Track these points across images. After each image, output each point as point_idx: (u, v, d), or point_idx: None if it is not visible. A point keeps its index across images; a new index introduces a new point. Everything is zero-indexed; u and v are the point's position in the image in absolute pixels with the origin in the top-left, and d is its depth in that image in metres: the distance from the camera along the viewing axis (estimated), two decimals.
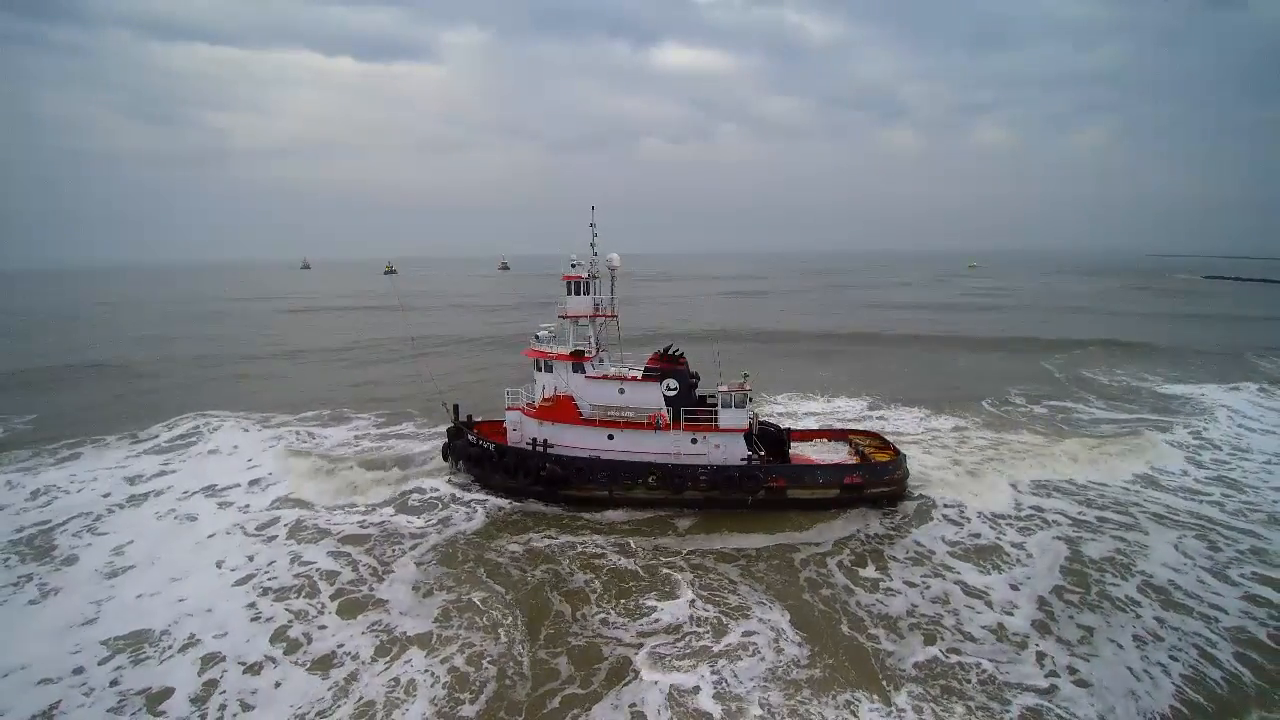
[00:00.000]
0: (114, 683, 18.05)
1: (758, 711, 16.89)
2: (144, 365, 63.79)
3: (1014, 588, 23.02)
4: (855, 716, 16.81)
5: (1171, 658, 19.23)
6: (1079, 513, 28.74)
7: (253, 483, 32.23)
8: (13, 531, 27.21)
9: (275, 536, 26.70)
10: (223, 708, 17.10)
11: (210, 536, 26.75)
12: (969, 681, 18.19)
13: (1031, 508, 29.27)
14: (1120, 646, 19.69)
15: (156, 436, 39.87)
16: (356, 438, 39.93)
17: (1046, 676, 18.40)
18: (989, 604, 21.97)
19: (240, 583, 23.18)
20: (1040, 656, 19.22)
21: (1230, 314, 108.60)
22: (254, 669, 18.55)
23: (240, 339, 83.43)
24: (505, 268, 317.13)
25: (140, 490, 31.60)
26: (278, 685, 17.84)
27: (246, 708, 17.10)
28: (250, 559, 24.78)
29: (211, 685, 17.91)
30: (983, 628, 20.65)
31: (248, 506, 29.47)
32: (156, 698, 17.51)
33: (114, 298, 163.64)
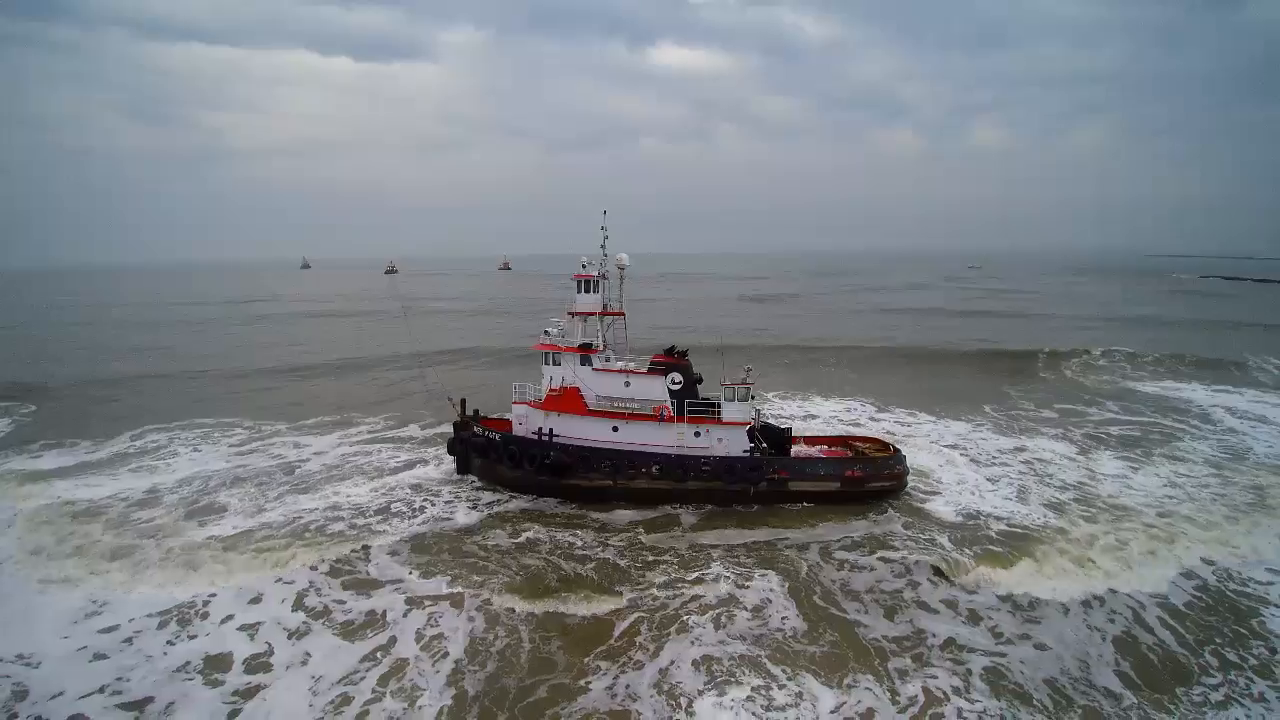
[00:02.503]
0: (168, 650, 19.68)
1: (749, 682, 18.40)
2: (142, 372, 63.86)
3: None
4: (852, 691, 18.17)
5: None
6: None
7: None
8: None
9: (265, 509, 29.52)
10: (287, 667, 18.83)
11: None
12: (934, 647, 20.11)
13: None
14: None
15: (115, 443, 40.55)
16: (338, 445, 39.63)
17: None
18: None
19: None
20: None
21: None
22: (298, 633, 20.37)
23: (239, 344, 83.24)
24: (507, 267, 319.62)
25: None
26: (320, 650, 19.64)
27: (304, 664, 18.96)
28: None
29: (267, 649, 19.60)
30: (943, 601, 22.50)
31: None
32: (216, 663, 19.08)
33: (117, 299, 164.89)
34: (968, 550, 25.42)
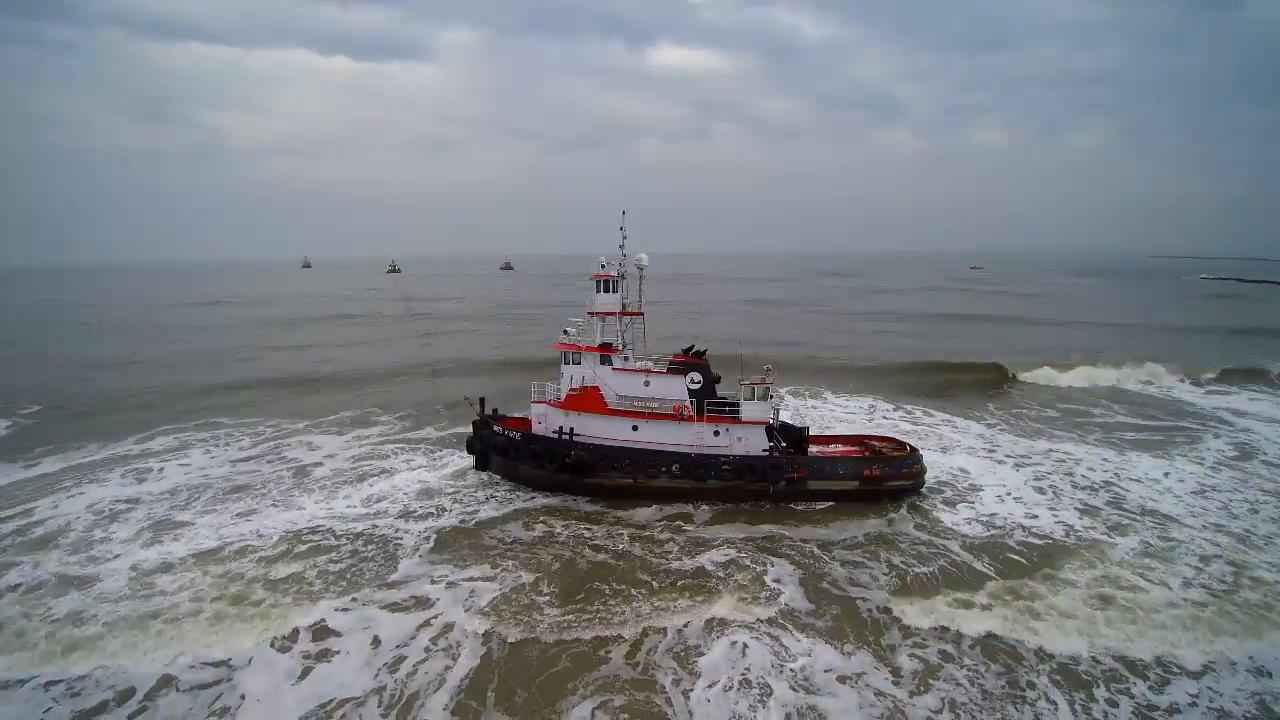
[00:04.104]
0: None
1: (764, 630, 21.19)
2: (145, 374, 64.18)
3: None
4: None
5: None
6: None
7: None
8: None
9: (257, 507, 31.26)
10: (367, 627, 21.60)
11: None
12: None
13: None
14: None
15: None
16: (354, 447, 40.35)
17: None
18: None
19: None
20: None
21: None
22: (346, 608, 22.68)
23: (249, 347, 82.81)
24: (508, 268, 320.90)
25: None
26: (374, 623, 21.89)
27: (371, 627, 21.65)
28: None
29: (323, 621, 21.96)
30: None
31: None
32: (289, 638, 21.13)
33: (119, 300, 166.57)
34: (981, 560, 26.14)
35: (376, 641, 20.72)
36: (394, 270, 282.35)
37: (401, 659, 19.95)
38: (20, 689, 18.79)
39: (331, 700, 18.41)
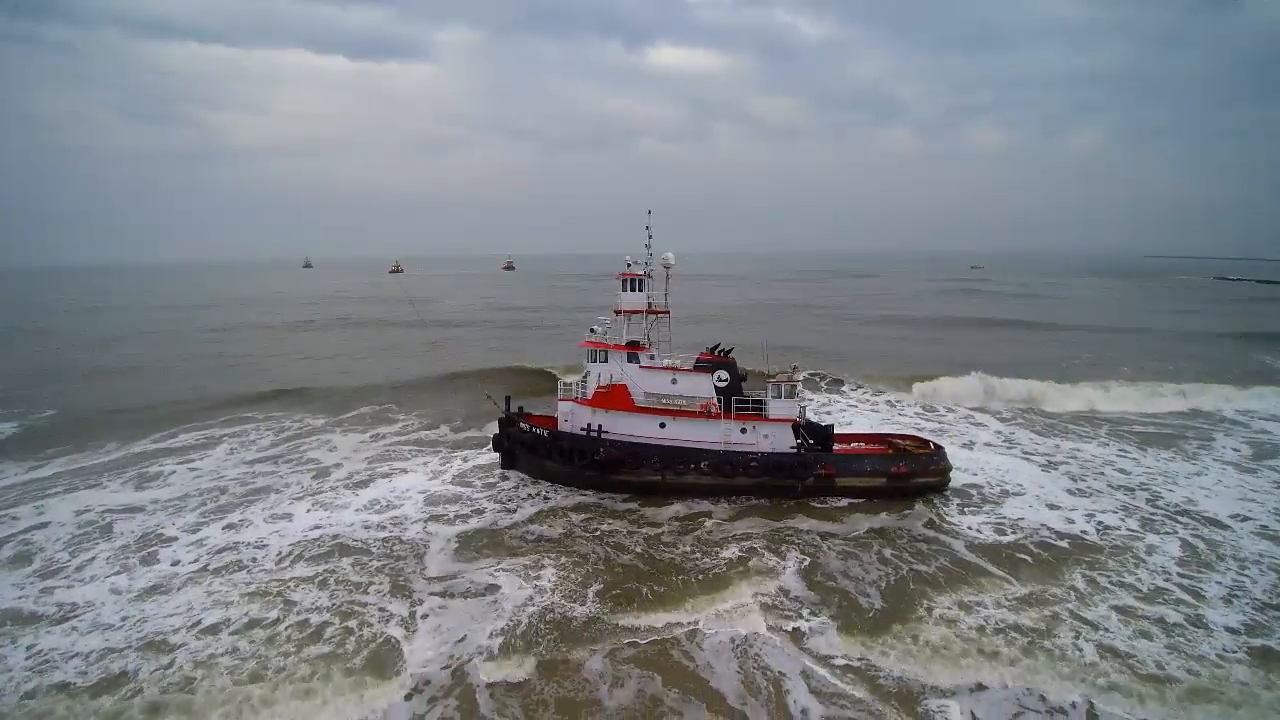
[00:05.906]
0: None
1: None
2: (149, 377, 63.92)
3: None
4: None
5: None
6: None
7: None
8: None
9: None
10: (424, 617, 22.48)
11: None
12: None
13: None
14: None
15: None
16: (370, 448, 40.24)
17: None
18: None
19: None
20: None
21: None
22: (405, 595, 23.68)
23: (261, 352, 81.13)
24: (510, 268, 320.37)
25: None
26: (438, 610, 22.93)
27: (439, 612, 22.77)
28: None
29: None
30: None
31: None
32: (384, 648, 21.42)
33: (122, 300, 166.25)
34: (994, 566, 25.80)
35: (437, 630, 21.59)
36: (397, 270, 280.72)
37: (448, 637, 21.00)
38: None
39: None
